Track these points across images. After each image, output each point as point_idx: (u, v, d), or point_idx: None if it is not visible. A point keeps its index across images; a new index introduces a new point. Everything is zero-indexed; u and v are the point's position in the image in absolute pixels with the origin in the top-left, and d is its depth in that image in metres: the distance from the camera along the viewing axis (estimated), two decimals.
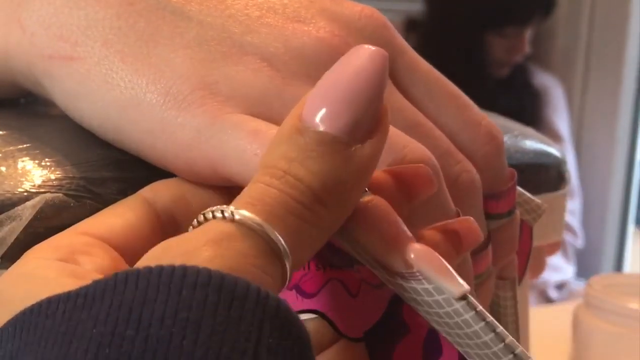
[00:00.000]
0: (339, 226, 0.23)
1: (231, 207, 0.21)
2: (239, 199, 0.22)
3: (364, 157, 0.23)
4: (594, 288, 0.64)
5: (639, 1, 1.72)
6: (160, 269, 0.19)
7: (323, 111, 0.22)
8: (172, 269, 0.19)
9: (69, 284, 0.20)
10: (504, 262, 0.34)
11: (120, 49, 0.28)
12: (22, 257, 0.24)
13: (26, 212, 0.26)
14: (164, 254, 0.21)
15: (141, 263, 0.21)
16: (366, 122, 0.23)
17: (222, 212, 0.21)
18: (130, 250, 0.25)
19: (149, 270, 0.19)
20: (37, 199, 0.26)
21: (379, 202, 0.24)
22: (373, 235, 0.23)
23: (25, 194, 0.26)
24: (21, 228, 0.25)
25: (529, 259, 0.38)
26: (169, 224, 0.26)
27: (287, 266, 0.21)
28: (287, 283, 0.22)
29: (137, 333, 0.18)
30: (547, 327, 0.76)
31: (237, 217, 0.21)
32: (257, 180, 0.22)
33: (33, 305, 0.19)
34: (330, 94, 0.23)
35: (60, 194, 0.27)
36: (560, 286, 1.64)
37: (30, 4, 0.29)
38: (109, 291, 0.19)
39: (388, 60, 0.23)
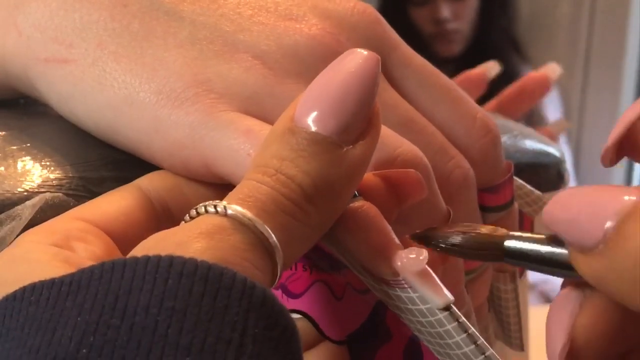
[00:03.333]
0: (329, 226, 0.23)
1: (223, 202, 0.22)
2: (231, 195, 0.22)
3: (354, 158, 0.23)
4: None
5: (639, 1, 1.72)
6: (147, 259, 0.19)
7: (315, 112, 0.23)
8: (159, 259, 0.19)
9: (61, 269, 0.20)
10: None
11: (115, 50, 0.28)
12: (16, 240, 0.24)
13: (26, 211, 0.26)
14: (156, 244, 0.21)
15: (133, 253, 0.21)
16: (358, 124, 0.23)
17: (215, 206, 0.21)
18: (125, 237, 0.25)
19: (135, 260, 0.19)
20: (36, 198, 0.26)
21: (369, 208, 0.24)
22: (361, 242, 0.24)
23: (25, 193, 0.27)
24: (21, 227, 0.25)
25: None
26: (163, 214, 0.26)
27: (278, 262, 0.21)
28: (277, 279, 0.22)
29: (122, 321, 0.18)
30: None
31: (229, 211, 0.21)
32: (249, 177, 0.22)
33: (16, 291, 0.20)
34: (323, 95, 0.23)
35: (60, 194, 0.27)
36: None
37: (27, 7, 0.30)
38: (95, 280, 0.19)
39: (380, 63, 0.24)
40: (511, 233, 0.22)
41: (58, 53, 0.28)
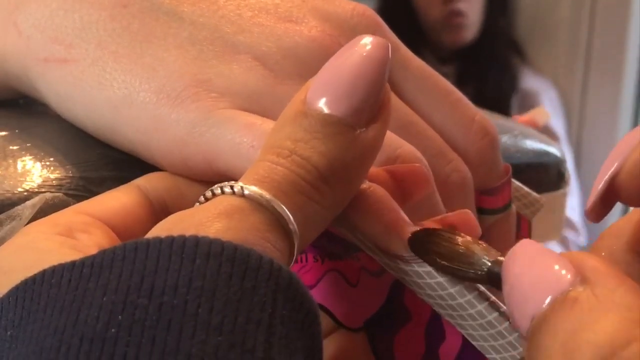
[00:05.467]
0: (343, 207, 0.23)
1: (240, 183, 0.21)
2: (247, 176, 0.22)
3: (367, 140, 0.23)
4: None
5: (639, 2, 1.72)
6: (172, 239, 0.19)
7: (327, 95, 0.23)
8: (184, 239, 0.19)
9: (71, 255, 0.20)
10: None
11: (114, 50, 0.28)
12: (20, 231, 0.24)
13: (26, 211, 0.26)
14: (175, 225, 0.21)
15: (151, 234, 0.21)
16: (370, 107, 0.23)
17: (232, 187, 0.21)
18: (126, 231, 0.25)
19: (159, 240, 0.19)
20: (37, 198, 0.26)
21: (377, 188, 0.24)
22: (373, 220, 0.24)
23: (25, 193, 0.27)
24: (21, 227, 0.25)
25: None
26: (162, 213, 0.26)
27: (295, 243, 0.21)
28: (293, 260, 0.22)
29: (150, 301, 0.18)
30: None
31: (246, 192, 0.21)
32: (263, 159, 0.22)
33: (35, 275, 0.19)
34: (335, 78, 0.23)
35: (60, 194, 0.27)
36: None
37: (27, 7, 0.30)
38: (117, 260, 0.19)
39: (390, 50, 0.24)
40: (500, 258, 0.21)
41: (58, 53, 0.28)
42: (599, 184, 0.22)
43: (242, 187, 0.21)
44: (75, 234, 0.23)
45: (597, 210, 0.22)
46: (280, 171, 0.22)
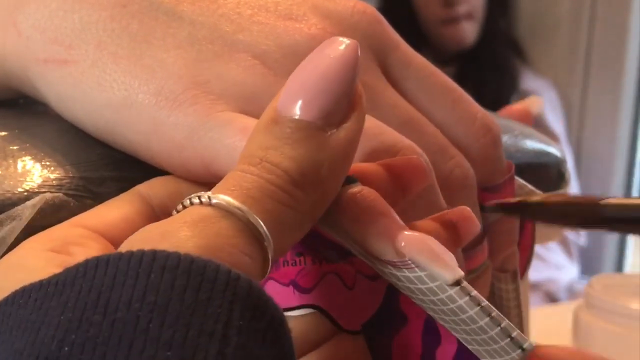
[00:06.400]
0: (321, 211, 0.23)
1: (208, 193, 0.22)
2: (218, 186, 0.22)
3: (339, 140, 0.23)
4: (594, 288, 0.64)
5: (639, 2, 1.72)
6: (131, 254, 0.19)
7: (298, 100, 0.23)
8: (142, 254, 0.19)
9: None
10: (504, 255, 0.34)
11: (114, 51, 0.28)
12: (17, 247, 0.24)
13: (26, 211, 0.26)
14: (142, 237, 0.21)
15: (121, 249, 0.21)
16: (340, 107, 0.23)
17: (199, 197, 0.21)
18: None
19: (119, 255, 0.19)
20: (37, 198, 0.26)
21: (367, 192, 0.24)
22: (361, 227, 0.24)
23: (25, 193, 0.26)
24: (21, 228, 0.25)
25: (531, 253, 0.38)
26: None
27: (268, 248, 0.21)
28: (269, 266, 0.22)
29: (104, 317, 0.18)
30: (548, 326, 0.76)
31: (214, 201, 0.21)
32: (235, 169, 0.23)
33: (8, 296, 0.20)
34: (304, 83, 0.23)
35: (60, 194, 0.27)
36: (568, 287, 1.63)
37: (26, 7, 0.30)
38: (79, 277, 0.19)
39: (359, 49, 0.24)
40: (606, 199, 0.21)
41: (57, 54, 0.28)
42: None
43: (209, 197, 0.21)
44: (70, 248, 0.23)
45: None
46: (249, 178, 0.22)
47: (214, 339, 0.18)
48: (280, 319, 0.20)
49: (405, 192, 0.25)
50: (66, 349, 0.18)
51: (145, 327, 0.18)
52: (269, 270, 0.22)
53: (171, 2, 0.29)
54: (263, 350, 0.19)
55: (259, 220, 0.21)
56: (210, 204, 0.21)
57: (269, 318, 0.19)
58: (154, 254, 0.19)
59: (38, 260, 0.22)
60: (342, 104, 0.23)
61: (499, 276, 0.36)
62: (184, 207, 0.22)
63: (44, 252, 0.23)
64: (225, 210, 0.21)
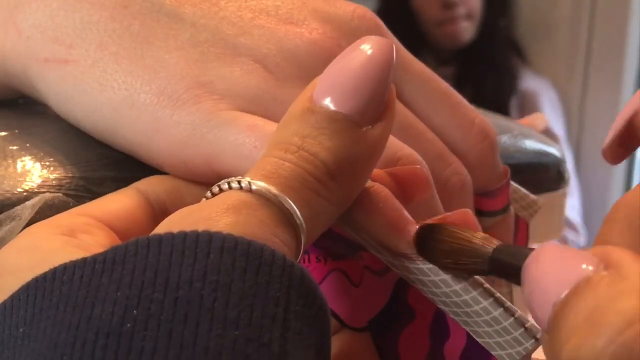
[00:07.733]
0: (349, 204, 0.24)
1: (247, 178, 0.21)
2: (254, 171, 0.22)
3: (373, 138, 0.23)
4: None
5: (639, 2, 1.72)
6: (184, 234, 0.19)
7: (333, 93, 0.23)
8: (197, 234, 0.19)
9: (76, 254, 0.20)
10: None
11: (115, 51, 0.28)
12: (21, 234, 0.24)
13: (26, 211, 0.26)
14: (183, 220, 0.21)
15: (160, 229, 0.21)
16: (376, 105, 0.23)
17: (239, 182, 0.21)
18: (127, 232, 0.25)
19: (171, 235, 0.19)
20: (36, 198, 0.26)
21: (381, 188, 0.24)
22: (377, 218, 0.24)
23: (25, 193, 0.27)
24: (21, 228, 0.25)
25: None
26: (161, 216, 0.26)
27: (302, 239, 0.22)
28: (300, 255, 0.22)
29: (165, 295, 0.18)
30: None
31: (254, 187, 0.21)
32: (269, 154, 0.22)
33: (46, 273, 0.19)
34: (341, 77, 0.23)
35: (60, 194, 0.27)
36: None
37: (26, 6, 0.30)
38: (130, 256, 0.19)
39: (395, 51, 0.24)
40: (499, 246, 0.21)
41: (58, 53, 0.28)
42: (617, 123, 0.22)
43: (249, 182, 0.21)
44: (78, 235, 0.23)
45: (614, 150, 0.22)
46: (287, 167, 0.22)
47: (277, 322, 0.18)
48: (325, 307, 0.20)
49: (406, 200, 0.26)
50: (128, 325, 0.17)
51: (210, 306, 0.18)
52: (299, 257, 0.22)
53: (173, 4, 0.29)
54: (313, 336, 0.19)
55: (298, 212, 0.21)
56: (250, 190, 0.21)
57: (318, 306, 0.20)
58: (210, 235, 0.19)
59: (53, 242, 0.22)
60: (378, 102, 0.23)
61: (492, 281, 0.36)
62: (221, 190, 0.22)
63: (57, 235, 0.23)
64: (265, 198, 0.21)
